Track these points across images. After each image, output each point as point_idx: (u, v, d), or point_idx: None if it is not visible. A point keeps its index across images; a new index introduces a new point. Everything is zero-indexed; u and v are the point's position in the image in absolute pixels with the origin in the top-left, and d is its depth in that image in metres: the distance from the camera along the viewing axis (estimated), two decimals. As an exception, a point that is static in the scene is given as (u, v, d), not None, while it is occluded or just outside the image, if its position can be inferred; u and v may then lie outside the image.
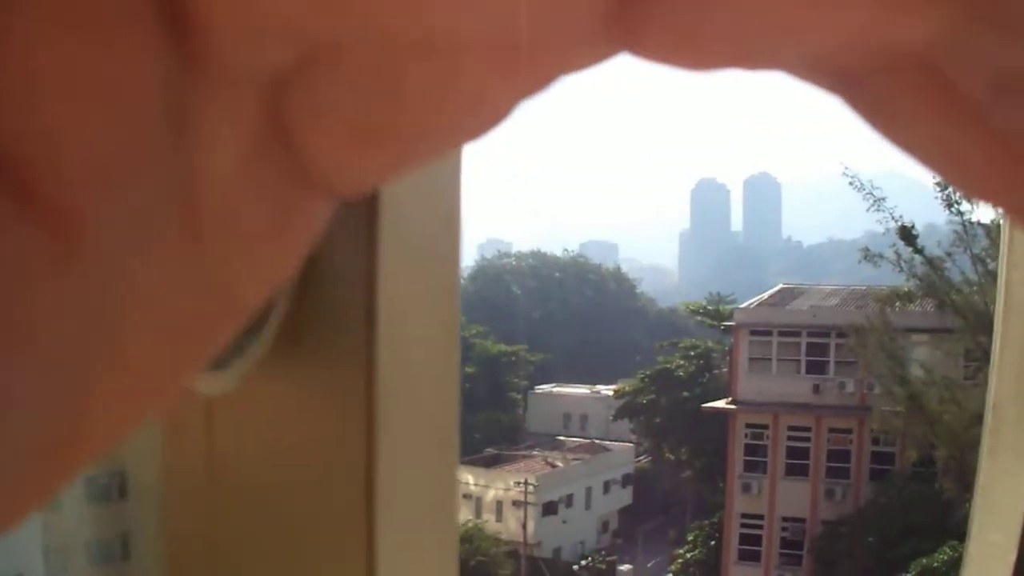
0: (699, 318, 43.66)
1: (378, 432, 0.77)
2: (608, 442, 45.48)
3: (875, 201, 26.46)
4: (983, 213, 23.39)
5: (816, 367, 30.76)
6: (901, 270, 25.99)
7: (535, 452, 43.41)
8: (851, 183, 27.14)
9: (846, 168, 27.61)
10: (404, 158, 0.25)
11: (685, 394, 38.84)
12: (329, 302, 0.77)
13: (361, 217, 0.75)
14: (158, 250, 0.24)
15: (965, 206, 24.31)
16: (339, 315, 0.77)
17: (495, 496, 38.40)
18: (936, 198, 24.71)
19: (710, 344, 41.45)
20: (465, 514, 35.24)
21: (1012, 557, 2.07)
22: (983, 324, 22.35)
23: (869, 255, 26.99)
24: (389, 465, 0.78)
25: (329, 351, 0.77)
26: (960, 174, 0.25)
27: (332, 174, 0.25)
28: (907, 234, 25.58)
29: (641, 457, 45.46)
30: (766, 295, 34.63)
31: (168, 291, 0.24)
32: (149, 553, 1.02)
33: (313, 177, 0.25)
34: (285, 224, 0.26)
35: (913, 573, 22.42)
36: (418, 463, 0.84)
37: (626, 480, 44.54)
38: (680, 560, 33.38)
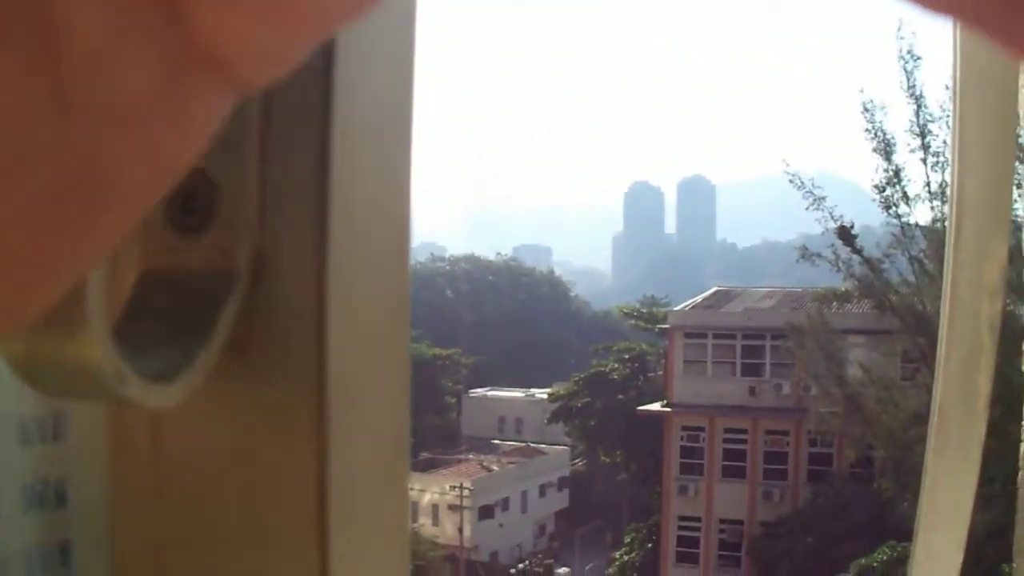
0: (633, 321, 43.95)
1: (330, 443, 0.76)
2: (543, 445, 45.75)
3: (815, 200, 26.55)
4: (921, 215, 23.58)
5: (751, 369, 30.98)
6: (839, 270, 26.17)
7: (470, 456, 43.65)
8: (791, 181, 27.20)
9: (787, 166, 27.66)
10: (286, 15, 0.23)
11: (620, 397, 39.05)
12: (278, 312, 0.75)
13: (310, 225, 0.74)
14: (21, 106, 0.21)
15: (903, 208, 24.52)
16: (289, 325, 0.75)
17: (431, 500, 38.48)
18: (873, 200, 24.89)
19: (644, 347, 41.70)
20: (402, 519, 35.39)
21: (959, 557, 2.06)
22: (921, 325, 22.60)
23: (807, 254, 27.08)
24: (341, 476, 0.77)
25: (279, 362, 0.75)
26: None
27: (215, 35, 0.23)
28: (846, 234, 25.70)
29: (577, 460, 45.66)
30: (700, 298, 34.87)
31: (36, 160, 0.22)
32: (90, 562, 1.00)
33: (198, 41, 0.23)
34: (171, 95, 0.23)
35: (852, 573, 22.58)
36: (370, 474, 0.83)
37: (562, 483, 44.73)
38: (618, 563, 33.52)
